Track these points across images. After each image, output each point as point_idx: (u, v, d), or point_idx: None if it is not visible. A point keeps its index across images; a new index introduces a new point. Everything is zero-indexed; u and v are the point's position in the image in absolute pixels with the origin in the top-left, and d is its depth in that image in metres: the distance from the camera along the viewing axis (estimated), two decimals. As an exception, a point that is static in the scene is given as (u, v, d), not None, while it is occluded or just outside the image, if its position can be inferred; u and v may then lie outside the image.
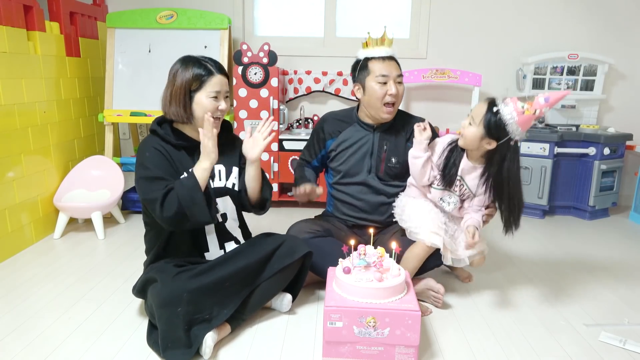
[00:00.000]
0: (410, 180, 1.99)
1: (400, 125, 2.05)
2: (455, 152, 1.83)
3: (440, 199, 1.88)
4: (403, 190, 2.05)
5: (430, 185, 1.91)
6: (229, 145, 1.82)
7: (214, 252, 1.76)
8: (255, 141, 1.76)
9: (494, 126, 1.65)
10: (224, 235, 1.78)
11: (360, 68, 1.98)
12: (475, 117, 1.70)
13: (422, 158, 1.85)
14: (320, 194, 1.94)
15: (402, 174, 2.04)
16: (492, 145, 1.69)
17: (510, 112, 1.62)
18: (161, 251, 1.71)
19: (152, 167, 1.62)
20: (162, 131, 1.69)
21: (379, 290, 1.48)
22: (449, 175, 1.82)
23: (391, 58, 1.97)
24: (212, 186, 1.73)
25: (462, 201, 1.88)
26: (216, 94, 1.67)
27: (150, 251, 1.75)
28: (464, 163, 1.81)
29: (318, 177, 2.18)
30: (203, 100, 1.66)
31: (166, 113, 1.70)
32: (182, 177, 1.63)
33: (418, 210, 1.88)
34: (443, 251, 1.79)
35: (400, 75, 1.96)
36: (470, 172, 1.82)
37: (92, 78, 3.08)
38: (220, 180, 1.77)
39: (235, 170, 1.81)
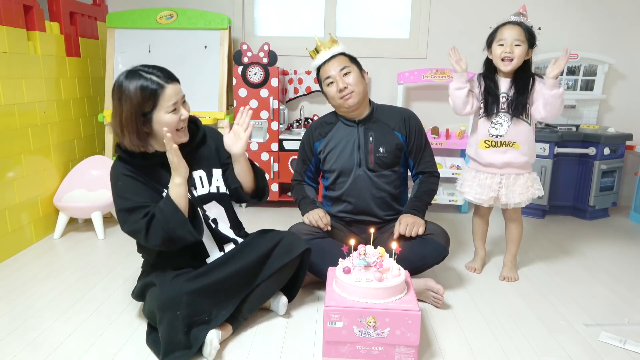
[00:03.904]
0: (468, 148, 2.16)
1: (382, 116, 2.08)
2: (489, 80, 2.02)
3: (491, 124, 2.03)
4: (397, 181, 2.07)
5: (478, 118, 2.07)
6: (205, 147, 1.75)
7: (214, 256, 1.72)
8: (237, 135, 1.70)
9: (532, 37, 1.96)
10: (220, 239, 1.74)
11: (318, 80, 2.07)
12: (515, 38, 1.94)
13: (465, 88, 2.01)
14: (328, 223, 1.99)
15: (392, 162, 2.06)
16: (531, 52, 1.98)
17: (529, 22, 1.98)
18: (161, 261, 1.66)
19: (129, 195, 1.55)
20: (127, 156, 1.58)
21: (379, 290, 1.48)
22: (496, 98, 2.00)
23: (333, 57, 1.99)
24: (196, 195, 1.67)
25: (513, 117, 2.00)
26: (174, 105, 1.53)
27: (148, 261, 1.72)
28: (503, 82, 2.01)
29: (317, 190, 2.20)
30: (163, 118, 1.53)
31: (121, 144, 1.57)
32: (160, 202, 1.55)
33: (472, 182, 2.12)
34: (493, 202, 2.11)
35: (345, 67, 1.97)
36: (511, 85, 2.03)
37: (92, 78, 3.08)
38: (203, 187, 1.70)
39: (217, 172, 1.75)
